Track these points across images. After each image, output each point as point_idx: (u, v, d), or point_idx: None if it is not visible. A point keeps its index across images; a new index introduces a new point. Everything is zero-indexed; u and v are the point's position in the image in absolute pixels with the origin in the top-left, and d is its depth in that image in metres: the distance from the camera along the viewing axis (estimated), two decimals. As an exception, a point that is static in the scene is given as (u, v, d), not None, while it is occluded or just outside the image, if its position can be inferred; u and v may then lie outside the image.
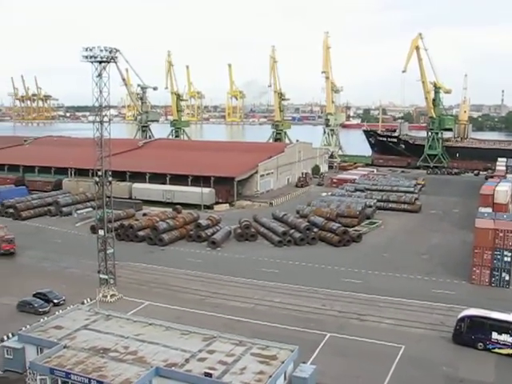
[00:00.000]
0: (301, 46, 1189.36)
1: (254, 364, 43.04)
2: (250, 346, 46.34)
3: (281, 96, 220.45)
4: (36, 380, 44.21)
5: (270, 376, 41.01)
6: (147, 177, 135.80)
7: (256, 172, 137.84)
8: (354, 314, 63.58)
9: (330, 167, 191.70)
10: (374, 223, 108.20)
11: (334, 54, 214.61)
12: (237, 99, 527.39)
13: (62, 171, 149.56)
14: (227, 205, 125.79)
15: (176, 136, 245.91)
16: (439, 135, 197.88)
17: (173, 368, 42.38)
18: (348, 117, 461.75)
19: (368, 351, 53.72)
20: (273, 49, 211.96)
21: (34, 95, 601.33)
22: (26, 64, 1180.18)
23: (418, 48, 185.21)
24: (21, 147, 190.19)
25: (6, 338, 55.26)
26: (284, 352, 45.10)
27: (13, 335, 54.14)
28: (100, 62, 66.09)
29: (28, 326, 53.54)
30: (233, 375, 41.24)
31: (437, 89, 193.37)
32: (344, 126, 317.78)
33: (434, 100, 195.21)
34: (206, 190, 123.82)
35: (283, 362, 43.32)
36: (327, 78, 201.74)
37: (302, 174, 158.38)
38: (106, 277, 69.72)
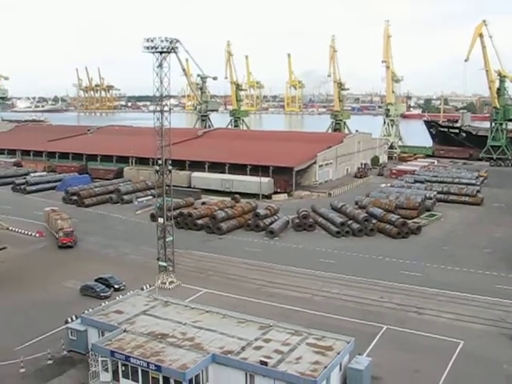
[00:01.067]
0: (361, 35, 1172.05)
1: (309, 354, 43.08)
2: (305, 335, 46.40)
3: (340, 86, 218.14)
4: (97, 361, 45.59)
5: (325, 366, 40.95)
6: (206, 166, 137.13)
7: (315, 162, 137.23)
8: (412, 307, 62.70)
9: (390, 158, 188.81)
10: (434, 215, 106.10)
11: (395, 43, 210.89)
12: (296, 89, 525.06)
13: (124, 160, 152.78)
14: (285, 195, 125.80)
15: (235, 126, 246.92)
16: (503, 126, 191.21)
17: (229, 355, 42.87)
18: (408, 107, 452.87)
19: (425, 345, 52.89)
20: (333, 38, 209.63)
21: (97, 86, 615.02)
22: (90, 56, 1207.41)
23: (481, 35, 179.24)
24: (84, 136, 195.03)
25: (70, 320, 57.22)
26: (340, 343, 44.95)
27: (76, 318, 56.07)
28: (161, 53, 67.00)
29: (90, 310, 55.25)
30: (288, 364, 41.40)
31: (502, 78, 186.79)
32: (404, 117, 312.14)
33: (498, 89, 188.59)
34: (265, 179, 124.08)
35: (339, 353, 43.19)
36: (387, 67, 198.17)
37: (361, 164, 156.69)
38: (165, 264, 70.96)
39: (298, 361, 41.97)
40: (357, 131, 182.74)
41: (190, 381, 41.08)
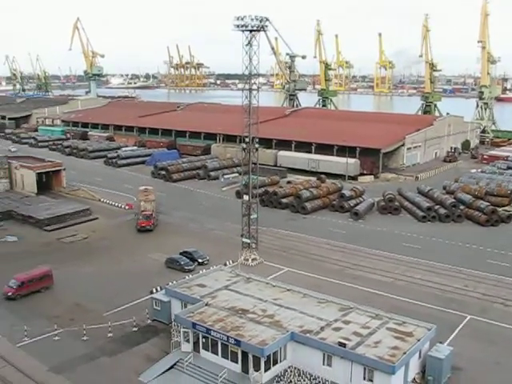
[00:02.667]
0: (456, 13, 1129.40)
1: (388, 339, 42.71)
2: (386, 320, 45.99)
3: (432, 67, 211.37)
4: (179, 332, 47.05)
5: (405, 353, 40.51)
6: (293, 145, 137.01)
7: (403, 144, 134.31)
8: (498, 297, 60.60)
9: (482, 143, 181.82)
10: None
11: (493, 21, 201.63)
12: (386, 69, 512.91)
13: (211, 137, 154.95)
14: (372, 176, 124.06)
15: (323, 105, 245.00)
16: None
17: (308, 335, 43.15)
18: (504, 89, 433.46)
19: (510, 338, 51.19)
20: (426, 17, 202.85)
21: (187, 63, 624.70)
22: (181, 34, 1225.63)
23: None
24: (174, 113, 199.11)
25: (154, 290, 59.19)
26: (421, 330, 44.26)
27: (161, 289, 57.95)
28: (250, 31, 67.19)
29: (174, 282, 56.91)
30: (366, 347, 41.24)
31: None
32: (499, 100, 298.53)
33: None
34: (351, 160, 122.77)
35: (419, 340, 42.56)
36: (483, 47, 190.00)
37: (451, 148, 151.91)
38: (249, 241, 71.87)
39: (376, 345, 41.72)
40: (448, 114, 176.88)
41: (268, 357, 41.74)
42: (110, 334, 51.11)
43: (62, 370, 45.40)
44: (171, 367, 45.53)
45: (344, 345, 40.94)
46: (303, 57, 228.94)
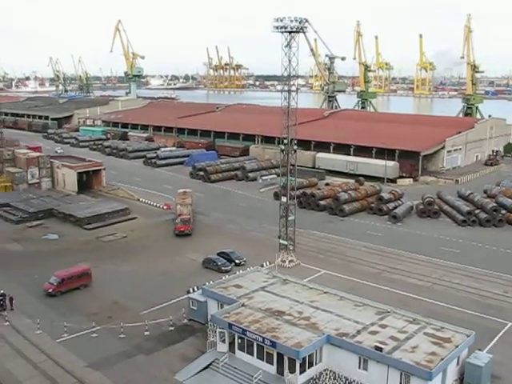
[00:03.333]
0: (499, 13, 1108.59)
1: (426, 344, 42.11)
2: (423, 325, 45.37)
3: (474, 68, 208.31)
4: (215, 332, 47.26)
5: (442, 359, 39.86)
6: (331, 147, 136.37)
7: (443, 147, 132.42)
8: (540, 304, 59.34)
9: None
10: None
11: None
12: (426, 71, 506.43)
13: (250, 138, 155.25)
14: (411, 179, 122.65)
15: (362, 107, 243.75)
16: None
17: (344, 338, 42.87)
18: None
19: (553, 346, 50.03)
20: (468, 18, 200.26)
21: (226, 64, 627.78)
22: (221, 35, 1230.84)
23: None
24: (213, 114, 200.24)
25: (191, 290, 59.57)
26: (459, 336, 43.53)
27: (198, 289, 58.25)
28: (290, 32, 67.09)
29: (211, 282, 57.20)
30: (403, 352, 40.75)
31: None
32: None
33: None
34: (390, 163, 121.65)
35: (457, 346, 41.82)
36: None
37: (493, 151, 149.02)
38: (286, 242, 71.79)
39: (413, 350, 41.19)
40: (490, 116, 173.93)
41: (304, 359, 41.62)
42: (146, 333, 51.63)
43: (100, 366, 46.06)
44: (207, 367, 45.76)
45: (380, 349, 40.57)
46: (342, 58, 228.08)
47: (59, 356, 47.80)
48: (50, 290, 60.67)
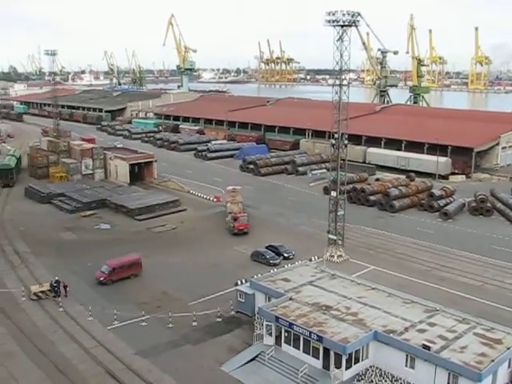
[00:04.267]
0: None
1: (476, 344, 41.27)
2: (473, 325, 44.48)
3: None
4: (262, 325, 47.50)
5: (493, 360, 38.92)
6: (382, 142, 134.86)
7: (497, 144, 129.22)
8: None
9: None
10: None
11: None
12: (482, 65, 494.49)
13: (300, 132, 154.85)
14: (463, 176, 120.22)
15: (414, 102, 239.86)
16: None
17: (391, 335, 42.48)
18: None
19: None
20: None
21: (277, 58, 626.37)
22: (272, 29, 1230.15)
23: None
24: (263, 107, 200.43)
25: (239, 282, 60.00)
26: (511, 337, 42.51)
27: (246, 281, 58.66)
28: (342, 26, 66.58)
29: (259, 275, 57.47)
30: (452, 352, 40.06)
31: None
32: None
33: None
34: (442, 159, 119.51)
35: (509, 348, 40.77)
36: None
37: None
38: (335, 237, 71.49)
39: (462, 350, 40.45)
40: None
41: (350, 355, 41.44)
42: (194, 323, 52.30)
43: (148, 354, 46.95)
44: (253, 359, 46.09)
45: (428, 347, 40.02)
46: (395, 52, 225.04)
47: (109, 342, 48.99)
48: (102, 279, 62.11)
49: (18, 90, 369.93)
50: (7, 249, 74.41)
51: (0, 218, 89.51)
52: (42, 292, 58.31)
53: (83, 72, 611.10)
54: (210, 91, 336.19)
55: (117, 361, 46.00)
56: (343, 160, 71.37)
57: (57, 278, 59.25)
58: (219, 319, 53.57)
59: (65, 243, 77.07)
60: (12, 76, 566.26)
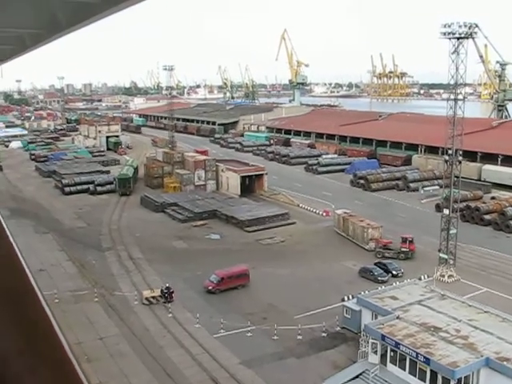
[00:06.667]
0: None
1: None
2: None
3: None
4: (368, 342, 46.80)
5: None
6: (499, 159, 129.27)
7: None
8: None
9: None
10: None
11: None
12: None
13: (412, 147, 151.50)
14: None
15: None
16: None
17: (505, 363, 40.44)
18: None
19: None
20: None
21: (390, 72, 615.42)
22: (385, 42, 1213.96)
23: None
24: (375, 122, 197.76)
25: (346, 298, 59.43)
26: None
27: (352, 297, 57.98)
28: (458, 39, 64.85)
29: (367, 292, 56.74)
30: None
31: None
32: None
33: None
34: None
35: None
36: None
37: None
38: (446, 256, 69.26)
39: None
40: None
41: (459, 380, 39.90)
42: (299, 337, 52.34)
43: (252, 364, 47.50)
44: (356, 377, 45.45)
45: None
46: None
47: (215, 351, 50.04)
48: (210, 288, 63.62)
49: (138, 103, 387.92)
50: (123, 254, 78.17)
51: (117, 224, 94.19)
52: (153, 297, 60.71)
53: (198, 86, 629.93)
54: (321, 105, 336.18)
55: (221, 369, 46.89)
56: (457, 177, 69.30)
57: (167, 284, 61.45)
58: (324, 334, 53.30)
59: (176, 251, 79.77)
60: (132, 90, 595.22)
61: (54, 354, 2.65)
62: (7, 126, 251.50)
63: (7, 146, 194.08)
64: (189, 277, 68.06)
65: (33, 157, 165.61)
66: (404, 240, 77.09)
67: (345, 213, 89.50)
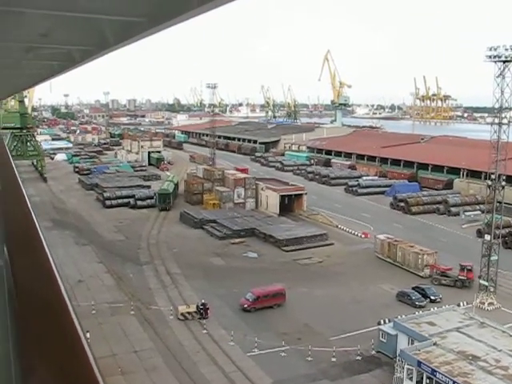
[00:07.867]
0: None
1: None
2: None
3: None
4: (403, 368, 46.00)
5: None
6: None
7: None
8: None
9: None
10: None
11: None
12: None
13: (454, 171, 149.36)
14: None
15: None
16: None
17: (545, 394, 39.38)
18: None
19: None
20: None
21: (433, 95, 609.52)
22: (429, 65, 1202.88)
23: None
24: (417, 145, 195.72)
25: (382, 322, 58.62)
26: None
27: (389, 321, 57.17)
28: (504, 62, 64.14)
29: (403, 316, 55.93)
30: None
31: None
32: None
33: None
34: None
35: None
36: None
37: None
38: (487, 283, 67.84)
39: None
40: None
41: (497, 411, 38.94)
42: (333, 359, 51.74)
43: (286, 385, 47.16)
44: (392, 402, 44.75)
45: None
46: None
47: (248, 369, 49.79)
48: (246, 306, 63.52)
49: (180, 120, 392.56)
50: (160, 269, 78.72)
51: (156, 239, 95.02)
52: (189, 313, 60.91)
53: (240, 104, 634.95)
54: (363, 127, 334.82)
55: (255, 388, 46.70)
56: (499, 202, 68.15)
57: (203, 300, 61.60)
58: (359, 357, 52.58)
59: (213, 268, 79.96)
60: (175, 107, 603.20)
61: (79, 369, 2.65)
62: (53, 139, 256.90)
63: (52, 159, 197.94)
64: (225, 294, 68.09)
65: (76, 169, 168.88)
66: (462, 268, 74.32)
67: (388, 238, 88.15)
